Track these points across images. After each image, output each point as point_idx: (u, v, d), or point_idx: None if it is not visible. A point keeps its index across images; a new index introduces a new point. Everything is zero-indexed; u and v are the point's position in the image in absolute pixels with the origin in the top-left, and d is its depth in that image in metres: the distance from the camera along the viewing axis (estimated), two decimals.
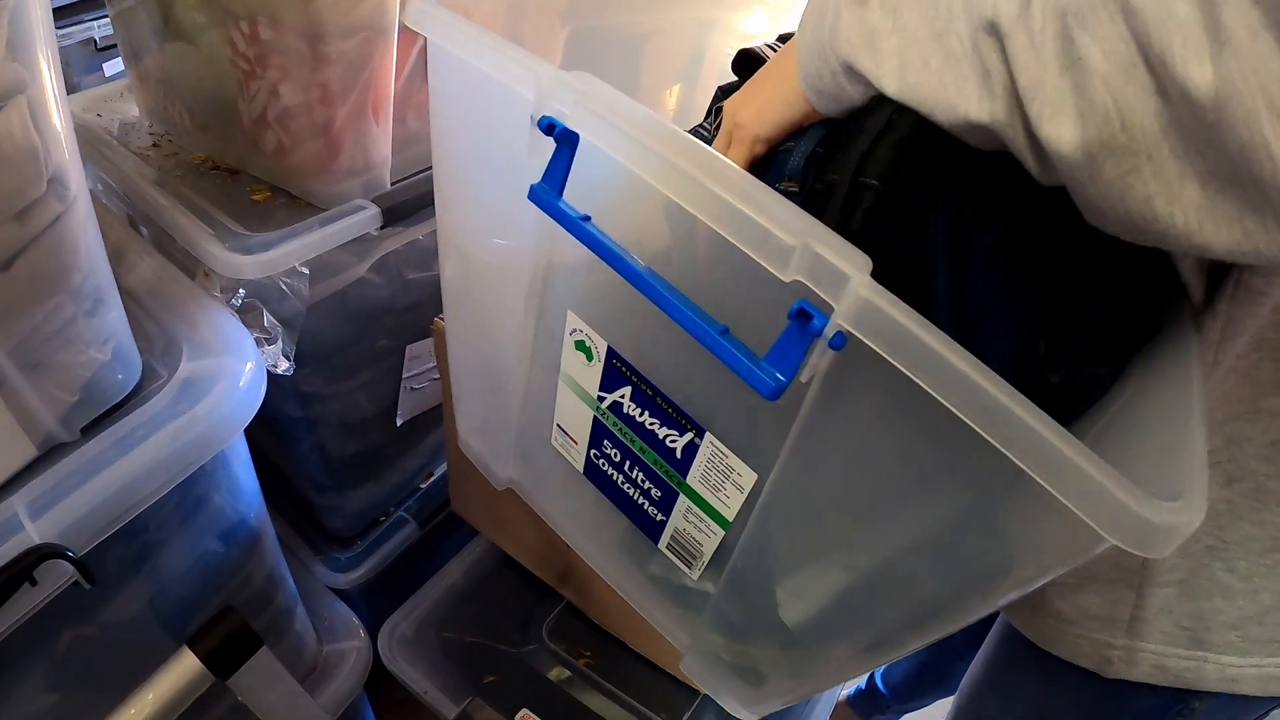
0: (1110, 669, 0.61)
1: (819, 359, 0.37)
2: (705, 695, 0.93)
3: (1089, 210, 0.35)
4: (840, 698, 1.38)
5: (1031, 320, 0.41)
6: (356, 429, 1.03)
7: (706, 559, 0.57)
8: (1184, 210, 0.32)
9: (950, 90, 0.36)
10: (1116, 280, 0.43)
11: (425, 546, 1.20)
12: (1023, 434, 0.32)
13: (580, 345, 0.53)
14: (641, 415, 0.53)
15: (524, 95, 0.44)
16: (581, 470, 0.62)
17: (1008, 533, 0.39)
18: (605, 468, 0.59)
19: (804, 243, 0.34)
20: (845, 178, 0.40)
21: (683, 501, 0.54)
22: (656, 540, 0.60)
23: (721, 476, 0.50)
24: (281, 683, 0.69)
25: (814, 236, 0.34)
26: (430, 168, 0.78)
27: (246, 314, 0.78)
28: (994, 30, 0.34)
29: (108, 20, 1.25)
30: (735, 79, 0.59)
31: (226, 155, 0.92)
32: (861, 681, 1.37)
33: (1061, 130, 0.33)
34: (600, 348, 0.52)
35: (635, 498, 0.58)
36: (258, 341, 0.76)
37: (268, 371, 0.70)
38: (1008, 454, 0.32)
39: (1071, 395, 0.43)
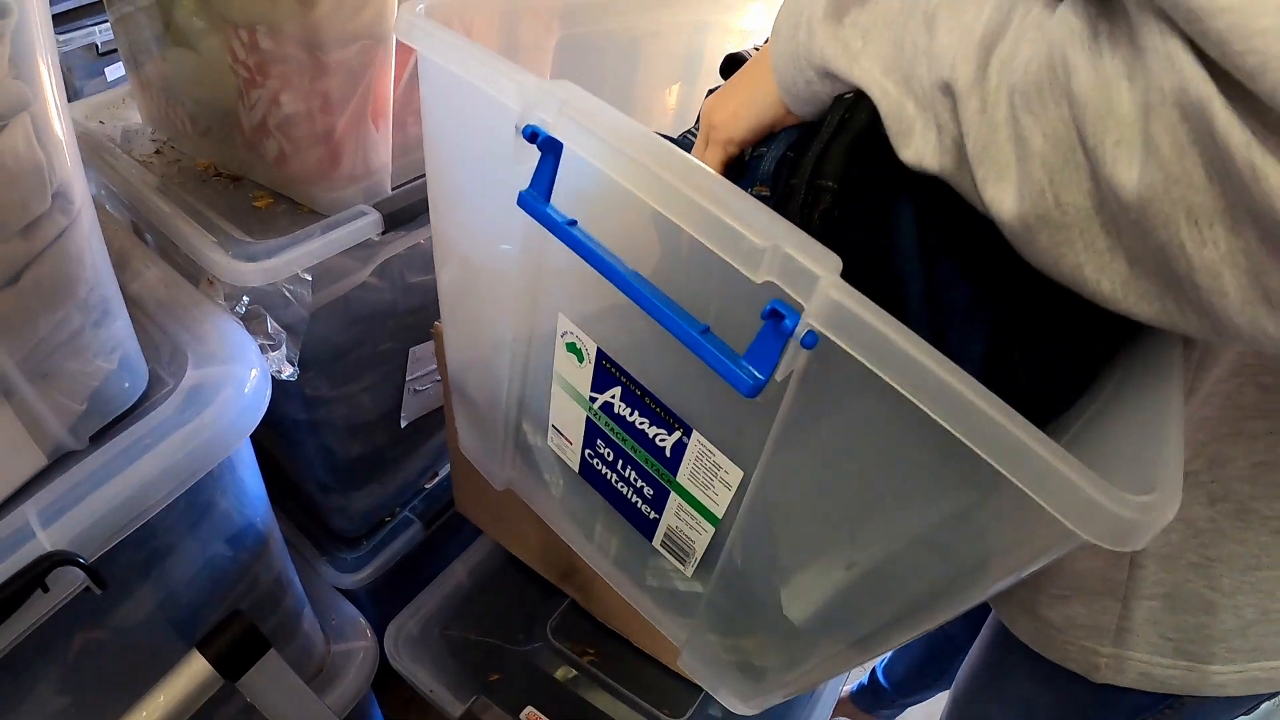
0: (1098, 675, 0.62)
1: (794, 358, 0.38)
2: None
3: (1030, 262, 0.36)
4: (843, 693, 1.39)
5: (1003, 322, 0.42)
6: (361, 431, 1.05)
7: (699, 556, 0.58)
8: (1111, 281, 0.33)
9: (909, 131, 0.38)
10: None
11: (430, 546, 1.21)
12: (989, 429, 0.33)
13: (571, 347, 0.54)
14: (631, 415, 0.54)
15: (509, 105, 0.45)
16: (577, 470, 0.63)
17: (985, 526, 0.39)
18: (599, 467, 0.60)
19: (774, 244, 0.35)
20: (803, 181, 0.41)
21: (674, 499, 0.55)
22: (651, 538, 0.61)
23: (710, 474, 0.51)
24: (290, 684, 0.70)
25: (784, 238, 0.35)
26: None
27: (251, 321, 0.79)
28: (949, 91, 0.35)
29: (109, 24, 1.27)
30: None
31: (228, 162, 0.92)
32: (864, 676, 1.38)
33: (1003, 198, 0.34)
34: (590, 349, 0.53)
35: (629, 496, 0.60)
36: (262, 348, 0.77)
37: (272, 377, 0.71)
38: (976, 449, 0.33)
39: (1043, 396, 0.43)
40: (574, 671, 1.02)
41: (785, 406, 0.41)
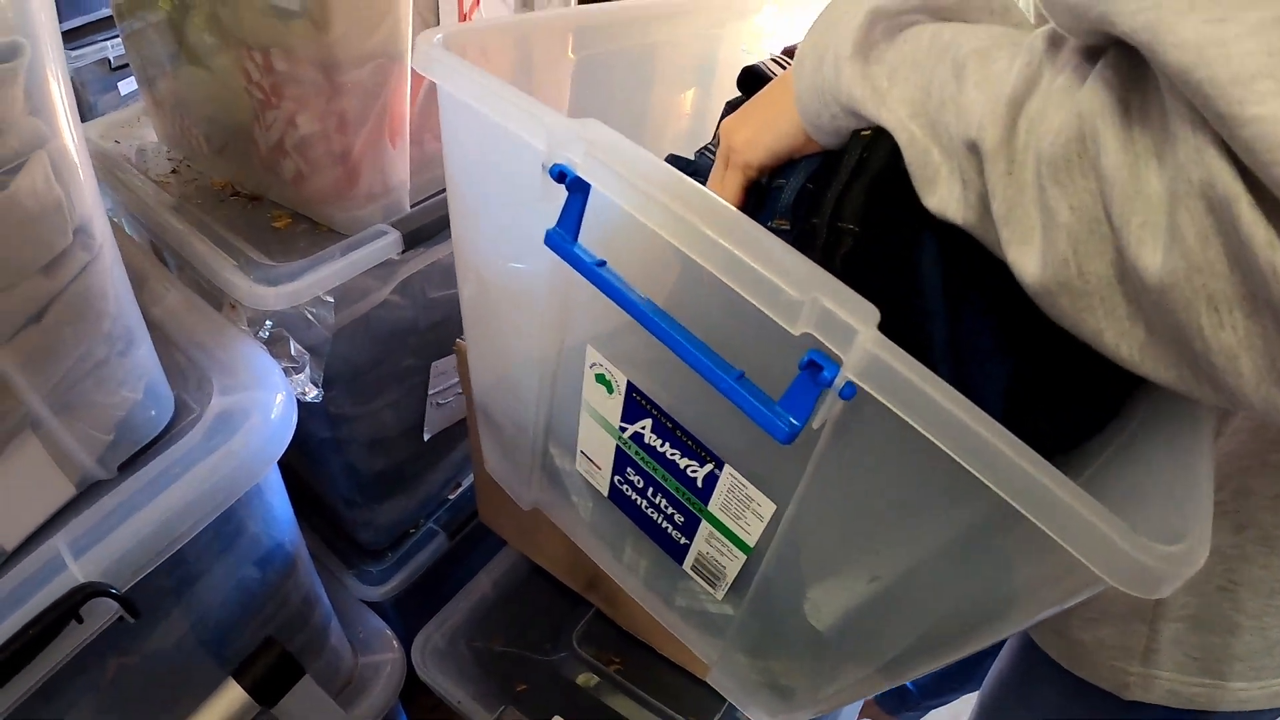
0: (1128, 693, 0.63)
1: (830, 407, 0.37)
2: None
3: (1050, 318, 0.36)
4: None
5: (1026, 361, 0.42)
6: (384, 446, 1.05)
7: (730, 581, 0.57)
8: (1130, 346, 0.33)
9: (933, 179, 0.38)
10: None
11: (455, 557, 1.21)
12: (1024, 481, 0.33)
13: (600, 378, 0.54)
14: (663, 446, 0.53)
15: (534, 145, 0.45)
16: (606, 494, 0.63)
17: (1015, 571, 0.39)
18: (629, 493, 0.60)
19: (813, 297, 0.35)
20: (823, 222, 0.41)
21: (705, 527, 0.55)
22: (681, 562, 0.61)
23: (742, 505, 0.51)
24: (323, 706, 0.71)
25: (822, 289, 0.35)
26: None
27: (274, 344, 0.79)
28: (975, 150, 0.35)
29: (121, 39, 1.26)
30: (741, 95, 0.59)
31: (246, 181, 0.92)
32: None
33: (1026, 262, 0.34)
34: (620, 382, 0.53)
35: (659, 521, 0.59)
36: (286, 371, 0.77)
37: (297, 399, 0.71)
38: (1011, 501, 0.33)
39: (1064, 432, 0.43)
40: (600, 680, 1.02)
41: (820, 448, 0.41)
